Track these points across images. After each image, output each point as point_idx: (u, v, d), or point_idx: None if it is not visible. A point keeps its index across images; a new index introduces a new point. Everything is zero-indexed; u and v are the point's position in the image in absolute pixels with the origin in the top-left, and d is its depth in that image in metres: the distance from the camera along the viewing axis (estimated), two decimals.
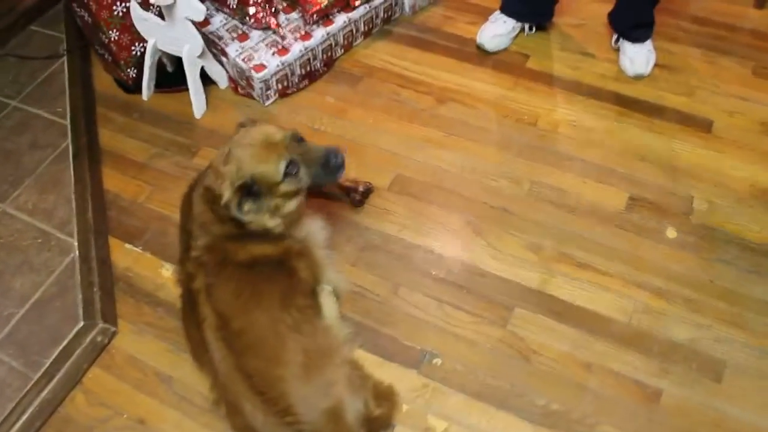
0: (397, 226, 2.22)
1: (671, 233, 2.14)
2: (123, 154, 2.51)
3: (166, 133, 2.56)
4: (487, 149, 2.39)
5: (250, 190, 1.76)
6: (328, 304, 2.01)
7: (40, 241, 2.22)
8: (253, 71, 2.45)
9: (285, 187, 1.79)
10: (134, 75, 2.61)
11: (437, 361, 1.93)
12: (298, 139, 1.82)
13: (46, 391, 1.95)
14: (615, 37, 2.60)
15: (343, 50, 2.71)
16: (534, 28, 2.71)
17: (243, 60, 2.47)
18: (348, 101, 2.60)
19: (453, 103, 2.55)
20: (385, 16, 2.77)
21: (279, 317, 1.77)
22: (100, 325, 2.05)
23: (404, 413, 1.85)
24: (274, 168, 1.76)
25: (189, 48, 2.38)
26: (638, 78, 2.53)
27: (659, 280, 2.03)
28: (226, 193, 1.75)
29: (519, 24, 2.65)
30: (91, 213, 2.29)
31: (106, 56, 2.63)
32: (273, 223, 1.85)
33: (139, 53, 2.55)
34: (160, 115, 2.63)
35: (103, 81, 2.78)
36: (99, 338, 2.04)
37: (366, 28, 2.73)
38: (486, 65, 2.66)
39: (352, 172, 2.33)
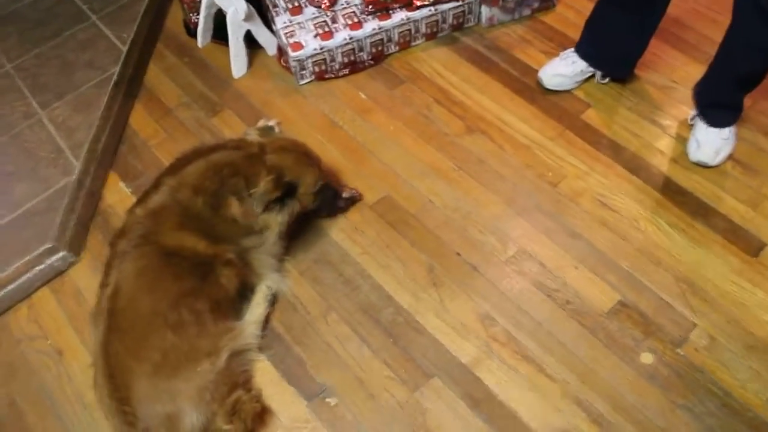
0: (359, 248, 2.09)
1: (646, 358, 1.81)
2: (158, 94, 2.59)
3: (201, 84, 2.60)
4: (490, 197, 2.16)
5: (289, 189, 1.91)
6: (256, 305, 1.98)
7: (53, 156, 2.37)
8: (289, 48, 2.38)
9: (306, 199, 1.99)
10: (196, 20, 2.64)
11: (331, 401, 1.82)
12: None
13: None
14: (693, 111, 2.20)
15: (398, 48, 2.55)
16: (608, 78, 2.37)
17: (285, 34, 2.41)
18: (378, 102, 2.46)
19: (481, 135, 2.32)
20: (455, 22, 2.56)
21: (162, 312, 1.76)
22: (63, 252, 2.16)
23: None
24: (312, 181, 1.98)
25: (233, 10, 2.36)
26: (700, 166, 2.14)
27: (604, 406, 1.74)
28: (263, 184, 1.84)
29: (591, 69, 2.33)
30: (102, 143, 2.40)
31: None
32: (277, 228, 1.95)
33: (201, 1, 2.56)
34: (205, 66, 2.67)
35: (174, 19, 2.86)
36: (57, 263, 2.16)
37: (429, 30, 2.54)
38: (538, 104, 2.38)
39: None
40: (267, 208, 1.90)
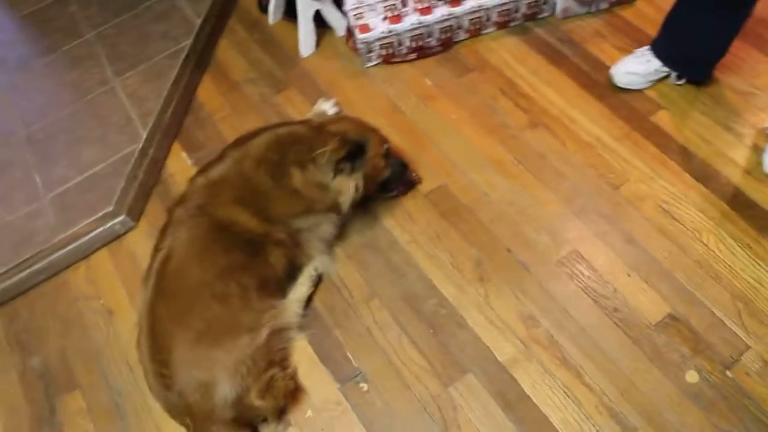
0: (409, 236, 2.07)
1: (692, 377, 1.73)
2: (226, 68, 2.63)
3: (269, 61, 2.62)
4: (547, 195, 2.10)
5: (358, 149, 1.90)
6: (300, 284, 2.00)
7: (122, 123, 2.44)
8: (357, 30, 2.37)
9: (377, 163, 1.98)
10: None
11: (364, 386, 1.83)
12: None
13: (59, 254, 2.19)
14: None
15: (468, 35, 2.49)
16: (684, 79, 2.24)
17: (354, 16, 2.40)
18: (443, 89, 2.41)
19: (544, 130, 2.25)
20: (529, 12, 2.48)
21: (210, 282, 1.80)
22: (123, 216, 2.24)
23: (305, 418, 1.80)
24: (378, 141, 1.98)
25: None
26: None
27: (640, 420, 1.68)
28: (330, 144, 1.86)
29: (666, 69, 2.22)
30: (170, 114, 2.46)
31: None
32: (352, 193, 1.95)
33: None
34: (274, 43, 2.68)
35: None
36: (117, 227, 2.24)
37: (501, 19, 2.47)
38: (607, 101, 2.28)
39: None
40: (337, 171, 1.90)
